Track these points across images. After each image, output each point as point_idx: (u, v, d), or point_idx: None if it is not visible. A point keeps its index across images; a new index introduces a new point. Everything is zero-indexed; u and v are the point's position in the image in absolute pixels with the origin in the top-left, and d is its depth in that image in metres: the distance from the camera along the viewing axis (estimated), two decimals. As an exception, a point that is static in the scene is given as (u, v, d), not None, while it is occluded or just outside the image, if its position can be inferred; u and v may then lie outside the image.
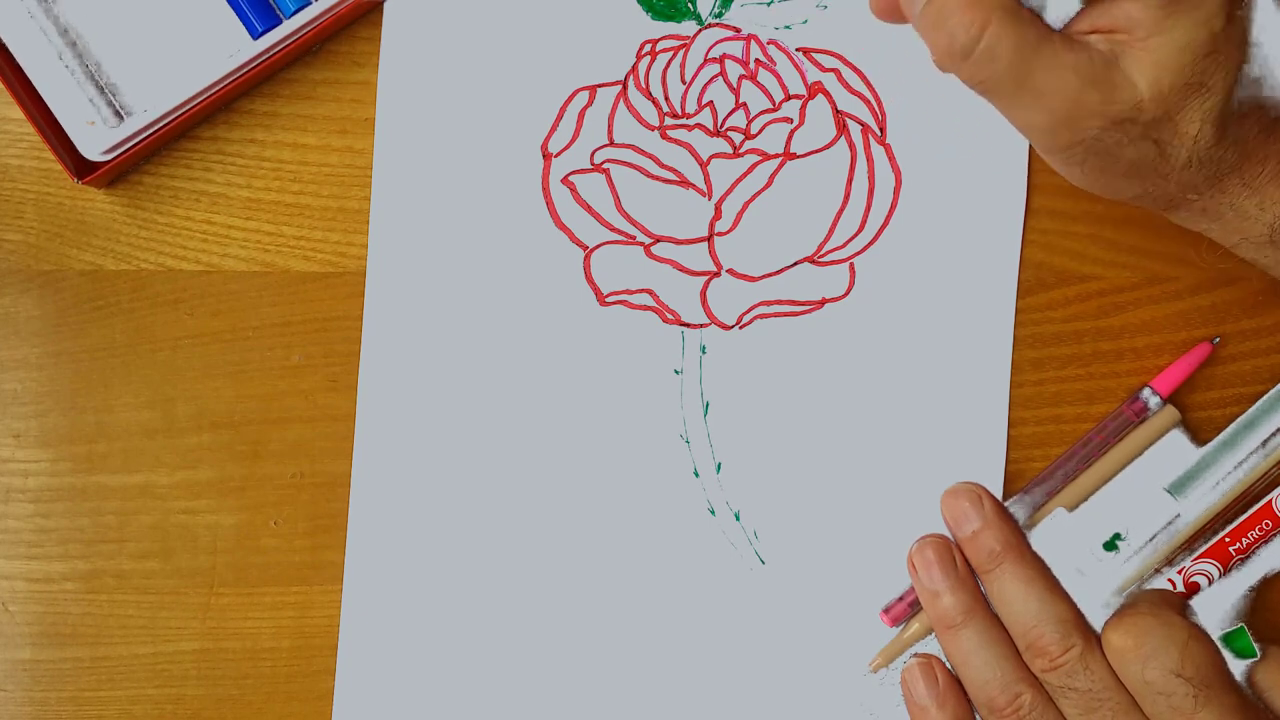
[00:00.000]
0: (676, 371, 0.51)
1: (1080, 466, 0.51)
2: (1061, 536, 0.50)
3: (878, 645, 0.51)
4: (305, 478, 0.51)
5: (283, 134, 0.51)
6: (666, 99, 0.51)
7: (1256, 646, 0.48)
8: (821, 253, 0.51)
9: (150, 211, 0.51)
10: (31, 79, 0.48)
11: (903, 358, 0.51)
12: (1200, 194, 0.43)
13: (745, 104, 0.51)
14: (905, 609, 0.51)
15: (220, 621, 0.51)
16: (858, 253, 0.51)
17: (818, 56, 0.51)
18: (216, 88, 0.49)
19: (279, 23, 0.49)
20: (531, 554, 0.51)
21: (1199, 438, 0.51)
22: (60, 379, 0.50)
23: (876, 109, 0.51)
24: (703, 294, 0.51)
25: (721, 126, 0.51)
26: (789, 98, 0.51)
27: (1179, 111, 0.41)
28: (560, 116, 0.51)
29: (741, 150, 0.51)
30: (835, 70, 0.51)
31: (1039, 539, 0.50)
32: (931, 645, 0.51)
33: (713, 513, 0.51)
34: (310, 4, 0.49)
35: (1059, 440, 0.52)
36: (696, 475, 0.51)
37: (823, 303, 0.51)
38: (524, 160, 0.51)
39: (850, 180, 0.51)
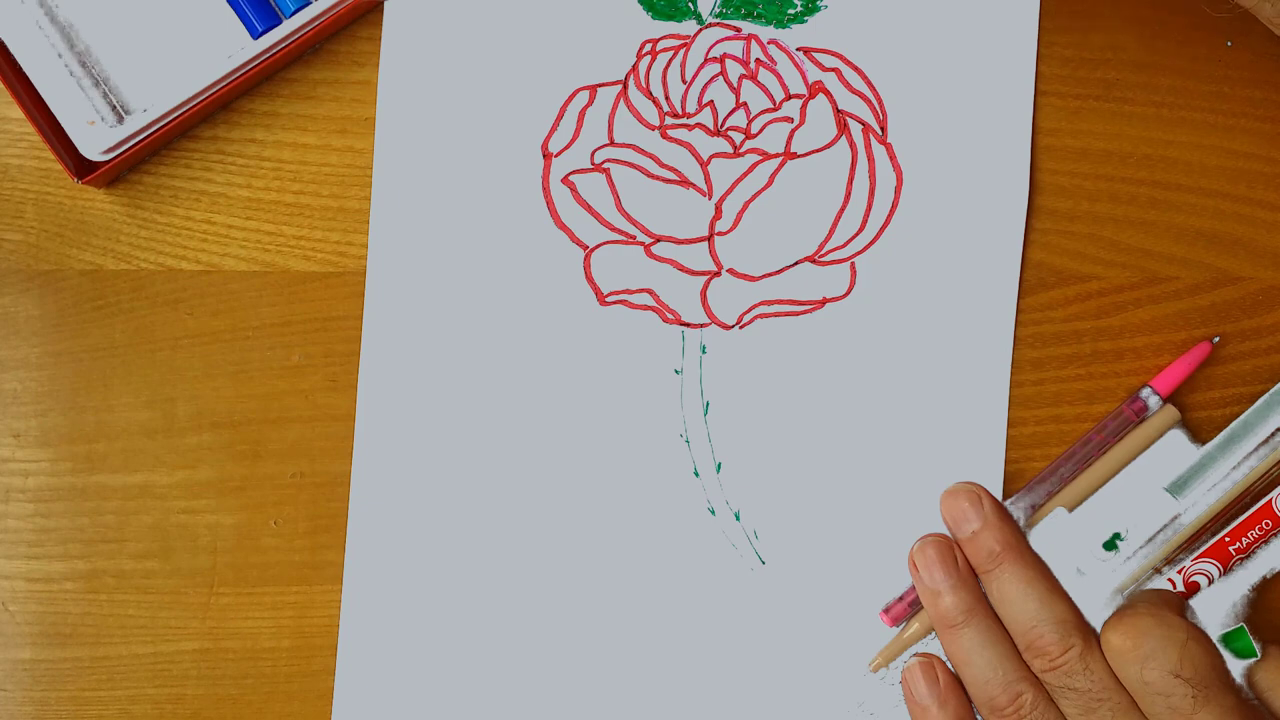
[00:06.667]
0: (676, 371, 0.51)
1: (1080, 466, 0.51)
2: (1061, 536, 0.50)
3: (878, 645, 0.51)
4: (305, 478, 0.51)
5: (283, 134, 0.51)
6: (667, 98, 0.51)
7: (1256, 646, 0.48)
8: (822, 252, 0.51)
9: (150, 211, 0.51)
10: (31, 79, 0.48)
11: (903, 357, 0.51)
12: None
13: (746, 103, 0.51)
14: (905, 609, 0.51)
15: (220, 621, 0.51)
16: (858, 252, 0.51)
17: (818, 56, 0.51)
18: (216, 88, 0.49)
19: (279, 23, 0.49)
20: (531, 554, 0.51)
21: (1199, 437, 0.51)
22: (60, 379, 0.50)
23: (877, 108, 0.51)
24: (703, 294, 0.51)
25: (722, 126, 0.51)
26: (789, 97, 0.51)
27: None
28: (560, 116, 0.51)
29: (742, 150, 0.51)
30: (836, 70, 0.51)
31: (1039, 539, 0.50)
32: (931, 645, 0.51)
33: (713, 513, 0.51)
34: (310, 4, 0.49)
35: (1059, 440, 0.52)
36: (696, 475, 0.51)
37: (823, 302, 0.51)
38: (524, 160, 0.51)
39: (851, 180, 0.51)
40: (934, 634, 0.51)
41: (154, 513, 0.51)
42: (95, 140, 0.48)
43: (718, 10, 0.51)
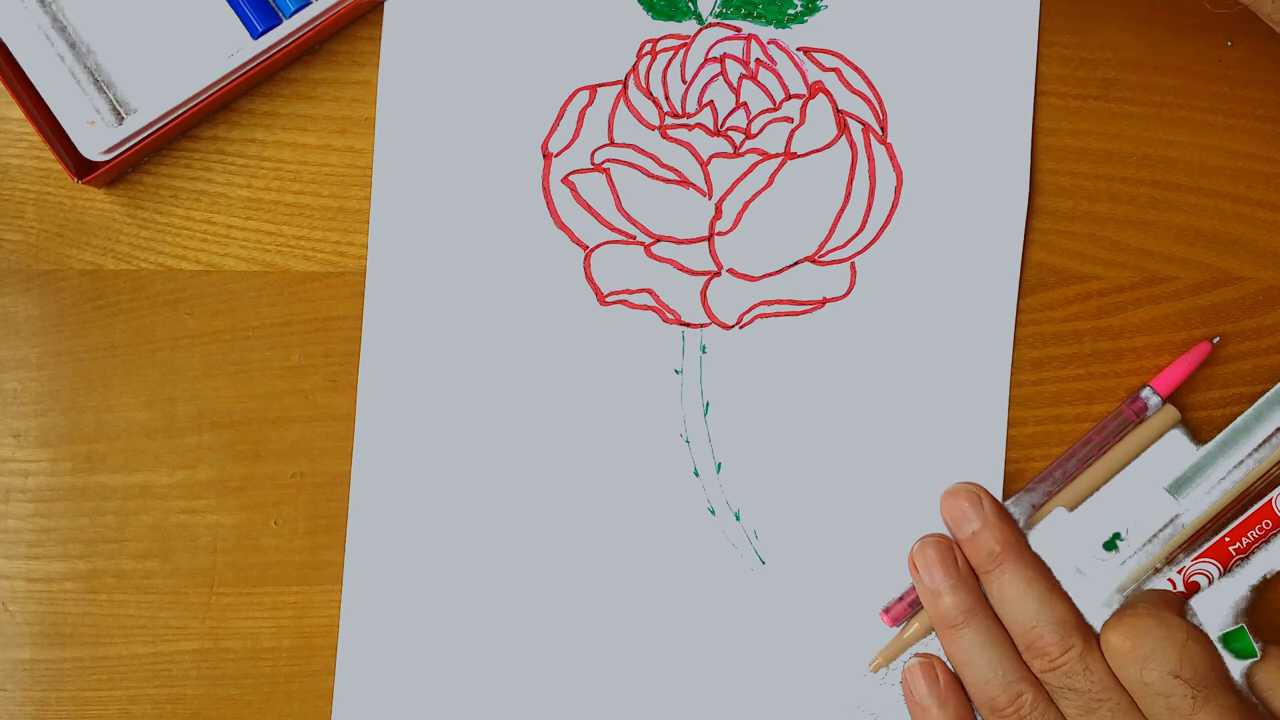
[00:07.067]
0: (676, 371, 0.51)
1: (1080, 466, 0.51)
2: (1061, 536, 0.50)
3: (878, 645, 0.51)
4: (305, 478, 0.51)
5: (283, 134, 0.51)
6: (667, 98, 0.51)
7: (1256, 646, 0.48)
8: (822, 252, 0.51)
9: (150, 211, 0.51)
10: (31, 79, 0.48)
11: (903, 357, 0.51)
12: None
13: (746, 103, 0.51)
14: (905, 609, 0.51)
15: (220, 621, 0.51)
16: (858, 252, 0.51)
17: (818, 56, 0.51)
18: (216, 88, 0.49)
19: (279, 23, 0.49)
20: (531, 554, 0.51)
21: (1199, 437, 0.51)
22: (60, 379, 0.50)
23: (877, 108, 0.51)
24: (703, 294, 0.51)
25: (722, 126, 0.51)
26: (789, 97, 0.51)
27: None
28: (560, 116, 0.51)
29: (742, 150, 0.51)
30: (836, 70, 0.51)
31: (1039, 539, 0.50)
32: (931, 645, 0.51)
33: (713, 513, 0.51)
34: (310, 4, 0.49)
35: (1059, 440, 0.52)
36: (696, 475, 0.51)
37: (823, 302, 0.51)
38: (524, 160, 0.51)
39: (851, 180, 0.51)
40: (934, 634, 0.51)
41: (154, 513, 0.51)
42: (95, 140, 0.48)
43: (718, 10, 0.51)
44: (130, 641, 0.50)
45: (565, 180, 0.51)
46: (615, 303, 0.51)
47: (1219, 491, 0.50)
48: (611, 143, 0.51)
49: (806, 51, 0.51)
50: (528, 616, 0.51)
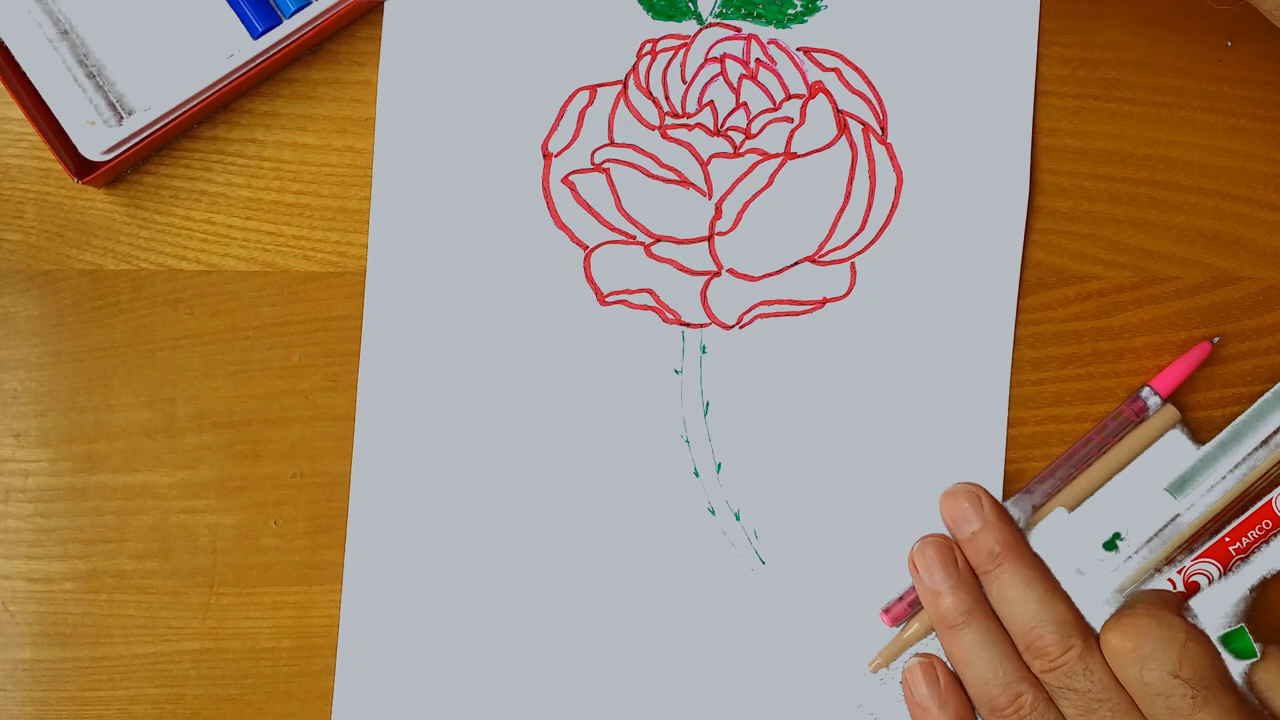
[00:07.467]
0: (676, 371, 0.51)
1: (1080, 466, 0.51)
2: (1061, 536, 0.50)
3: (878, 645, 0.51)
4: (305, 478, 0.51)
5: (283, 134, 0.51)
6: (667, 98, 0.51)
7: (1256, 646, 0.48)
8: (822, 252, 0.51)
9: (150, 211, 0.51)
10: (31, 79, 0.48)
11: (903, 357, 0.51)
12: None
13: (746, 103, 0.51)
14: (905, 609, 0.51)
15: (220, 621, 0.51)
16: (859, 252, 0.51)
17: (818, 56, 0.51)
18: (216, 88, 0.49)
19: (279, 23, 0.49)
20: (531, 554, 0.51)
21: (1199, 437, 0.51)
22: (60, 379, 0.50)
23: (877, 108, 0.51)
24: (703, 294, 0.51)
25: (722, 126, 0.51)
26: (789, 97, 0.51)
27: None
28: (560, 116, 0.51)
29: (742, 150, 0.51)
30: (836, 70, 0.51)
31: (1039, 539, 0.50)
32: (931, 645, 0.51)
33: (713, 513, 0.51)
34: (310, 4, 0.49)
35: (1059, 440, 0.52)
36: (696, 475, 0.51)
37: (823, 302, 0.51)
38: (524, 160, 0.51)
39: (851, 180, 0.51)
40: (934, 634, 0.51)
41: (154, 513, 0.51)
42: (95, 140, 0.48)
43: (718, 10, 0.51)
44: (130, 641, 0.50)
45: (565, 180, 0.51)
46: (615, 303, 0.51)
47: (1219, 491, 0.50)
48: (611, 143, 0.51)
49: (806, 51, 0.51)
50: (528, 616, 0.51)
